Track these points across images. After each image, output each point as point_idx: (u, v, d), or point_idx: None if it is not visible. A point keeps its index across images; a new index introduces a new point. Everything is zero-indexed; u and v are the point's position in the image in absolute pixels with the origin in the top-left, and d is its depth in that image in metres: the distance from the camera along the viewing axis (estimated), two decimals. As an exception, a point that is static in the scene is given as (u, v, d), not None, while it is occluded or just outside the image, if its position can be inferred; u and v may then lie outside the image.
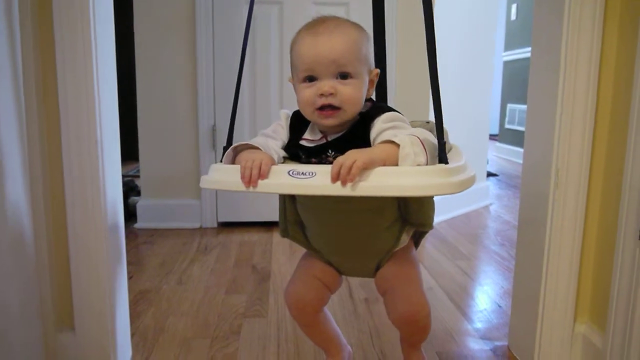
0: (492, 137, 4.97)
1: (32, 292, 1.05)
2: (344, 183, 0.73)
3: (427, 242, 2.31)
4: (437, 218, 2.61)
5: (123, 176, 1.31)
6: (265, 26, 2.42)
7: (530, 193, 1.24)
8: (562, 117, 1.11)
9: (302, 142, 0.93)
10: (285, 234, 1.05)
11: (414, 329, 1.01)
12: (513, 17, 4.95)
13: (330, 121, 0.89)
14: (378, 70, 0.94)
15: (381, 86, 1.07)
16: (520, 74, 4.65)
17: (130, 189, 2.70)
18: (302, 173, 0.77)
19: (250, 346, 1.34)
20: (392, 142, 0.80)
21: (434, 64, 0.80)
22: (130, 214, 2.52)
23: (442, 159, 0.78)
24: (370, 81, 0.93)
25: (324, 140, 0.92)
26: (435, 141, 0.81)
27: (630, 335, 0.96)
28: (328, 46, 0.86)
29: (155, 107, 2.46)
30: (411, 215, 0.98)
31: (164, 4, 2.40)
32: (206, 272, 1.90)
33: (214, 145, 2.47)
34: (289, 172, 0.77)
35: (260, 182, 0.78)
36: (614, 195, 1.05)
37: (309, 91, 0.88)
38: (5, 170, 0.96)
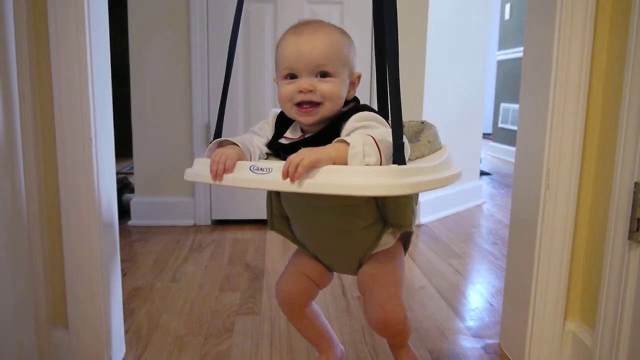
0: (486, 136, 4.99)
1: (25, 289, 1.05)
2: (291, 180, 0.77)
3: (420, 241, 2.32)
4: (430, 217, 2.63)
5: (117, 173, 1.31)
6: (260, 25, 2.42)
7: (522, 193, 1.25)
8: (553, 118, 1.12)
9: (282, 140, 0.97)
10: (272, 226, 1.09)
11: (389, 333, 1.02)
12: (507, 16, 4.97)
13: (308, 118, 0.91)
14: (360, 73, 0.97)
15: (381, 84, 1.08)
16: (514, 73, 4.67)
17: (124, 186, 2.70)
18: (261, 169, 0.82)
19: (243, 343, 1.35)
20: (344, 141, 0.81)
21: (395, 64, 0.81)
22: (124, 211, 2.52)
23: (397, 160, 0.78)
24: (351, 83, 0.95)
25: (295, 139, 0.96)
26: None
27: (619, 334, 0.98)
28: (309, 46, 0.89)
29: (149, 104, 2.46)
30: (388, 215, 0.98)
31: (157, 0, 2.39)
32: (200, 269, 1.90)
33: (208, 143, 2.46)
34: (250, 168, 0.83)
35: (225, 176, 0.84)
36: (604, 196, 1.06)
37: (289, 87, 0.91)
38: (4, 167, 0.96)
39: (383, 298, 0.97)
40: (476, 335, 1.41)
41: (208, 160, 0.87)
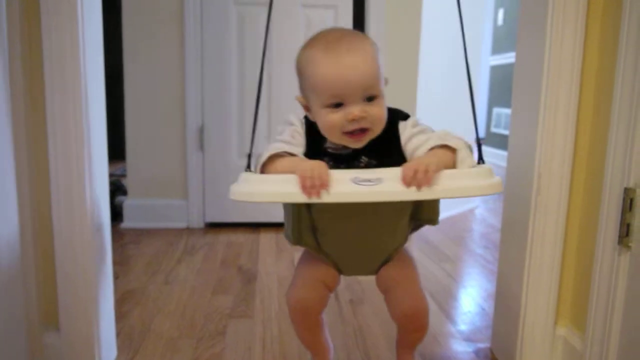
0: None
1: (17, 292, 1.05)
2: (419, 187, 0.76)
3: (413, 244, 2.33)
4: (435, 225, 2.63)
5: (110, 175, 1.31)
6: (254, 28, 2.42)
7: (513, 198, 1.26)
8: (544, 124, 1.13)
9: (329, 150, 0.93)
10: (298, 241, 1.00)
11: (416, 325, 1.04)
12: (500, 22, 5.00)
13: (359, 144, 0.89)
14: (387, 78, 0.93)
15: None
16: (507, 78, 4.69)
17: (116, 189, 2.69)
18: (368, 180, 0.77)
19: (236, 346, 1.35)
20: (447, 146, 0.85)
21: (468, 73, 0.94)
22: (116, 214, 2.51)
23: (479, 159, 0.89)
24: None
25: (350, 149, 0.92)
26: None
27: (608, 338, 0.98)
28: (354, 71, 0.84)
29: (143, 107, 2.46)
30: (423, 212, 1.03)
31: (152, 3, 2.40)
32: (192, 272, 1.90)
33: (201, 146, 2.47)
34: (352, 180, 0.77)
35: (322, 192, 0.76)
36: (595, 201, 1.07)
37: (336, 116, 0.86)
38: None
39: (414, 290, 1.02)
40: (468, 339, 1.42)
41: (283, 177, 0.79)
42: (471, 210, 3.03)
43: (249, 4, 2.39)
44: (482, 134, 5.47)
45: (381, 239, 1.01)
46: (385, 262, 1.04)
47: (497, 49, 5.03)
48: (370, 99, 0.86)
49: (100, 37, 1.18)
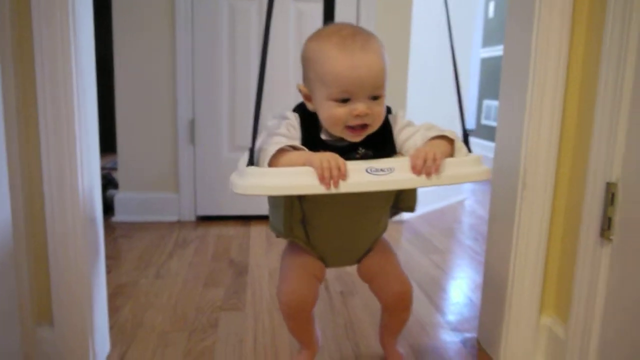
0: (469, 132, 5.04)
1: (10, 287, 1.06)
2: (428, 175, 0.81)
3: (402, 236, 2.36)
4: (412, 213, 2.66)
5: (101, 169, 1.32)
6: (245, 21, 2.43)
7: (500, 191, 1.29)
8: (530, 120, 1.15)
9: (326, 142, 0.95)
10: (289, 233, 1.02)
11: (404, 304, 1.11)
12: (491, 14, 5.02)
13: (357, 138, 0.92)
14: None
15: None
16: (497, 70, 4.72)
17: (107, 182, 2.69)
18: (381, 169, 0.80)
19: (227, 339, 1.37)
20: (444, 137, 0.91)
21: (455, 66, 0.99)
22: (107, 207, 2.51)
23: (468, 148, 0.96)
24: None
25: (346, 140, 0.94)
26: None
27: (590, 328, 1.01)
28: (367, 70, 0.86)
29: (134, 100, 2.46)
30: (403, 200, 1.07)
31: (142, -4, 2.39)
32: (184, 265, 1.92)
33: (192, 139, 2.47)
34: (366, 170, 0.80)
35: (343, 182, 0.79)
36: (579, 195, 1.10)
37: (342, 111, 0.88)
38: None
39: (399, 274, 1.10)
40: (455, 329, 1.45)
41: (299, 169, 0.81)
42: (460, 202, 3.06)
43: (240, -2, 2.39)
44: (472, 125, 5.51)
45: (368, 229, 1.06)
46: (368, 251, 1.09)
47: (487, 42, 5.05)
48: (376, 97, 0.90)
49: (91, 29, 1.17)
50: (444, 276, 1.88)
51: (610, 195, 0.97)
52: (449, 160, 0.85)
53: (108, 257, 1.31)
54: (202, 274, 1.83)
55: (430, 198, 2.81)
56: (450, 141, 0.92)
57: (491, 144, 4.86)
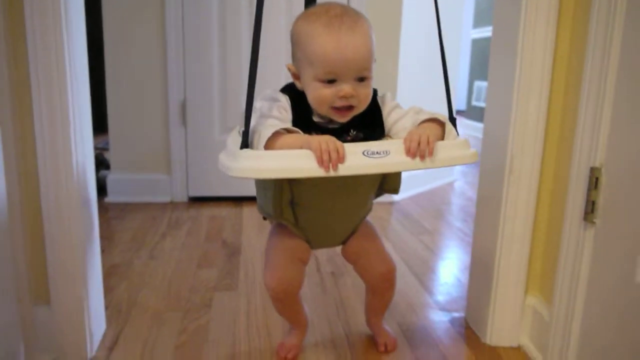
0: (460, 113, 5.07)
1: (6, 268, 1.07)
2: (422, 157, 0.82)
3: (392, 217, 2.39)
4: (403, 194, 2.70)
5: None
6: (236, 2, 2.41)
7: (488, 175, 1.31)
8: (517, 107, 1.17)
9: (318, 124, 0.96)
10: (279, 216, 1.03)
11: (390, 283, 1.16)
12: (482, -6, 5.01)
13: (343, 119, 0.94)
14: (375, 59, 0.96)
15: None
16: (488, 51, 4.72)
17: (99, 163, 2.69)
18: (377, 152, 0.82)
19: (221, 318, 1.40)
20: (434, 120, 0.93)
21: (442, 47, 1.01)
22: (100, 188, 2.51)
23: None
24: None
25: (337, 123, 0.95)
26: None
27: (573, 308, 1.05)
28: (353, 52, 0.87)
29: (125, 81, 2.45)
30: (389, 182, 1.09)
31: (132, -25, 2.37)
32: (177, 246, 1.94)
33: (184, 120, 2.47)
34: (363, 153, 0.81)
35: (341, 165, 0.80)
36: (564, 179, 1.12)
37: (328, 91, 0.90)
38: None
39: (383, 255, 1.14)
40: (443, 309, 1.49)
41: (298, 152, 0.81)
42: (450, 184, 3.10)
43: (231, -21, 2.38)
44: (463, 106, 5.53)
45: (355, 210, 1.09)
46: (351, 233, 1.11)
47: (478, 22, 5.05)
48: (362, 79, 0.91)
49: (82, 9, 1.17)
50: (433, 257, 1.92)
51: (594, 180, 0.99)
52: (441, 143, 0.87)
53: (101, 238, 1.32)
54: (195, 254, 1.86)
55: (421, 179, 2.84)
56: (441, 124, 0.94)
57: (482, 125, 4.89)
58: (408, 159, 0.83)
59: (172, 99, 2.46)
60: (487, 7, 4.83)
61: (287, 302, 1.12)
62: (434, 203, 2.69)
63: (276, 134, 0.86)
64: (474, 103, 5.17)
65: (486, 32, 4.73)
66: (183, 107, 2.47)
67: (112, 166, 2.54)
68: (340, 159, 0.79)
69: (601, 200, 0.98)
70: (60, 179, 1.13)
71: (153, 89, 2.47)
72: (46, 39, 1.07)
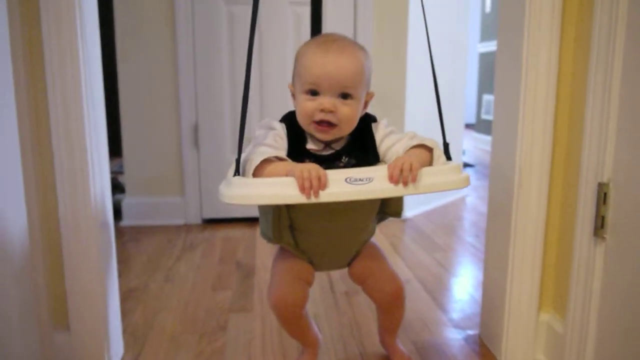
0: (469, 126, 5.08)
1: (28, 294, 1.10)
2: (405, 184, 0.83)
3: (405, 234, 2.39)
4: (415, 210, 2.70)
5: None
6: (244, 27, 2.45)
7: (497, 190, 1.32)
8: (524, 123, 1.19)
9: (311, 151, 1.00)
10: (279, 239, 1.06)
11: (399, 302, 1.16)
12: (488, 9, 5.04)
13: (325, 136, 0.97)
14: (373, 93, 1.03)
15: None
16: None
17: (114, 187, 2.73)
18: (360, 179, 0.83)
19: (237, 340, 1.41)
20: (423, 146, 0.94)
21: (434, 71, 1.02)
22: (115, 212, 2.55)
23: (448, 157, 0.97)
24: (365, 102, 1.01)
25: (331, 150, 1.00)
26: None
27: (587, 323, 1.05)
28: (336, 66, 0.92)
29: (137, 106, 2.50)
30: (391, 206, 1.10)
31: (144, 2, 2.42)
32: (192, 268, 1.96)
33: (196, 144, 2.51)
34: (346, 180, 0.83)
35: (322, 192, 0.82)
36: (573, 195, 1.13)
37: (311, 104, 0.94)
38: (4, 172, 1.00)
39: (389, 273, 1.14)
40: (458, 326, 1.49)
41: (281, 179, 0.84)
42: (462, 199, 3.10)
43: (239, 3, 2.43)
44: (472, 120, 5.53)
45: (355, 234, 1.10)
46: (356, 255, 1.13)
47: (485, 36, 5.08)
48: (345, 96, 0.94)
49: (97, 38, 1.21)
50: (446, 274, 1.92)
51: (602, 195, 1.00)
52: (426, 169, 0.87)
53: (117, 262, 1.35)
54: (210, 276, 1.87)
55: (432, 195, 2.84)
56: (430, 150, 0.96)
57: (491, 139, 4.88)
58: (391, 186, 0.84)
59: (185, 123, 2.50)
60: (494, 21, 4.86)
61: (289, 320, 1.13)
62: (446, 219, 2.69)
63: (265, 162, 0.90)
64: (484, 116, 5.18)
65: (493, 46, 4.75)
66: (195, 130, 2.51)
67: (127, 190, 2.58)
68: (322, 185, 0.82)
69: (610, 215, 0.99)
70: (79, 204, 1.16)
71: (166, 113, 2.51)
72: (64, 66, 1.11)
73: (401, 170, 0.84)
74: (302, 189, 0.82)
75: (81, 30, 1.12)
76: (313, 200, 0.82)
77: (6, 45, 1.02)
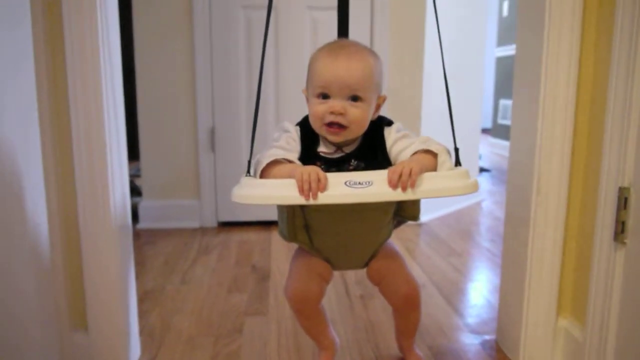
0: (486, 131, 5.05)
1: (47, 295, 1.12)
2: (404, 189, 0.84)
3: (420, 239, 2.38)
4: (430, 215, 2.69)
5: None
6: (261, 31, 2.47)
7: (515, 195, 1.31)
8: (542, 127, 1.18)
9: (321, 154, 1.01)
10: (293, 238, 1.08)
11: (414, 304, 1.15)
12: (505, 13, 5.01)
13: (335, 137, 0.99)
14: (386, 96, 1.04)
15: None
16: (512, 70, 4.71)
17: (131, 190, 2.75)
18: (359, 183, 0.85)
19: (252, 343, 1.41)
20: (428, 151, 0.94)
21: (445, 77, 0.89)
22: (132, 214, 2.57)
23: (457, 162, 0.96)
24: (377, 105, 1.02)
25: (341, 153, 1.01)
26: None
27: (607, 329, 1.04)
28: (346, 70, 0.94)
29: (155, 110, 2.52)
30: (407, 209, 1.11)
31: (162, 7, 2.45)
32: (208, 271, 1.97)
33: (212, 147, 2.53)
34: (345, 183, 0.84)
35: (321, 194, 0.84)
36: (592, 199, 1.12)
37: (321, 107, 0.96)
38: (28, 176, 1.02)
39: (405, 276, 1.14)
40: (474, 331, 1.48)
41: (282, 181, 0.87)
42: (478, 203, 3.08)
43: (257, 8, 2.44)
44: (489, 125, 5.50)
45: (368, 236, 1.10)
46: (373, 256, 1.13)
47: (502, 41, 5.05)
48: (355, 99, 0.96)
49: (118, 44, 1.22)
50: (462, 279, 1.91)
51: (623, 200, 0.99)
52: (428, 174, 0.87)
53: (134, 264, 1.36)
54: (226, 279, 1.88)
55: (448, 200, 2.82)
56: (435, 155, 0.96)
57: (507, 144, 4.85)
58: (389, 190, 0.85)
59: (202, 126, 2.52)
60: (511, 25, 4.83)
61: (305, 313, 1.14)
62: (462, 223, 2.67)
63: (273, 163, 0.93)
64: (500, 121, 5.14)
65: (510, 50, 4.72)
66: (212, 133, 2.52)
67: (144, 193, 2.60)
68: (321, 188, 0.84)
69: (631, 220, 0.98)
70: (98, 207, 1.17)
71: (183, 117, 2.53)
72: (85, 71, 1.13)
73: (400, 175, 0.85)
74: (302, 191, 0.84)
75: (102, 37, 1.13)
76: (312, 202, 0.84)
77: (29, 51, 1.04)
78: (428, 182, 0.86)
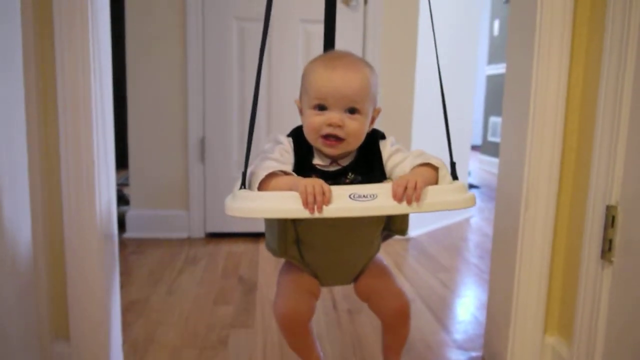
0: (475, 148, 5.09)
1: (30, 303, 1.10)
2: (409, 202, 0.83)
3: (409, 254, 2.38)
4: (419, 230, 2.69)
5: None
6: (254, 42, 2.48)
7: (504, 212, 1.32)
8: (532, 146, 1.19)
9: (317, 167, 0.99)
10: (284, 253, 1.05)
11: (404, 319, 1.12)
12: (496, 32, 5.07)
13: (332, 150, 0.97)
14: (380, 108, 1.03)
15: None
16: (503, 88, 4.75)
17: (119, 198, 2.74)
18: (363, 196, 0.83)
19: (237, 356, 1.40)
20: (428, 164, 0.93)
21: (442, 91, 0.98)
22: (118, 224, 2.55)
23: (454, 176, 0.95)
24: (372, 118, 1.01)
25: (337, 165, 1.00)
26: None
27: (594, 347, 1.04)
28: (343, 81, 0.93)
29: (145, 119, 2.51)
30: (395, 223, 1.09)
31: (155, 16, 2.45)
32: (194, 282, 1.95)
33: (202, 157, 2.52)
34: (349, 196, 0.83)
35: (326, 207, 0.81)
36: (580, 217, 1.12)
37: (318, 119, 0.94)
38: (12, 181, 1.00)
39: (395, 290, 1.11)
40: (461, 347, 1.47)
41: (285, 194, 0.84)
42: (467, 220, 3.08)
43: (250, 20, 2.45)
44: (479, 141, 5.54)
45: (360, 250, 1.09)
46: (362, 271, 1.11)
47: (493, 59, 5.11)
48: (352, 111, 0.94)
49: (109, 51, 1.22)
50: (450, 294, 1.91)
51: (610, 218, 1.00)
52: (431, 187, 0.87)
53: (120, 274, 1.34)
54: (212, 291, 1.86)
55: (437, 215, 2.83)
56: (435, 169, 0.95)
57: (497, 161, 4.88)
58: (394, 203, 0.84)
59: (192, 136, 2.51)
60: (501, 44, 4.89)
61: (295, 332, 1.11)
62: (451, 239, 2.67)
63: (270, 176, 0.90)
64: (490, 138, 5.18)
65: (501, 68, 4.78)
66: (202, 144, 2.52)
67: (131, 202, 2.58)
68: (326, 201, 0.82)
69: (618, 238, 0.98)
70: (84, 215, 1.16)
71: (173, 126, 2.52)
72: (75, 79, 1.12)
73: (405, 188, 0.84)
74: (306, 204, 0.82)
75: (93, 45, 1.13)
76: (317, 215, 0.81)
77: (18, 58, 1.04)
78: (431, 195, 0.86)
